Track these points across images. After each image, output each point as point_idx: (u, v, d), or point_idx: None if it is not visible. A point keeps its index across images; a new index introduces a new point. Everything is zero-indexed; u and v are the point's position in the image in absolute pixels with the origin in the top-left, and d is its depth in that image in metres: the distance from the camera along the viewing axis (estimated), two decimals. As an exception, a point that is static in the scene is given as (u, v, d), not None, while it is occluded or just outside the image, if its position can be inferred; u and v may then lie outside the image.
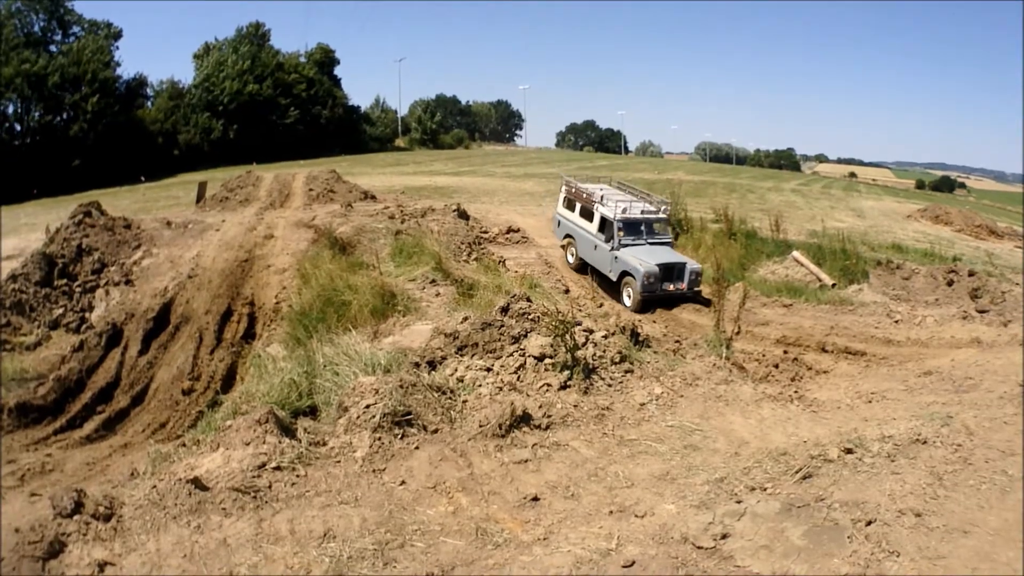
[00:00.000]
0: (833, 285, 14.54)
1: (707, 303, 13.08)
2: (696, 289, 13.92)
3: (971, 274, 14.22)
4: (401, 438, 5.00)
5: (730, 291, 11.61)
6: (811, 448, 5.20)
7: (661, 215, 15.22)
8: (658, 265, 13.49)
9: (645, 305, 13.52)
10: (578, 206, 15.58)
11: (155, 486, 4.26)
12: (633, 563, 3.77)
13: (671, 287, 13.64)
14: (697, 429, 5.68)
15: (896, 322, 11.93)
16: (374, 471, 4.68)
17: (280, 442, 4.69)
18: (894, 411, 6.59)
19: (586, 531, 4.17)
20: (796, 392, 7.42)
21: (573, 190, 16.07)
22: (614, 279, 14.07)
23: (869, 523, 4.08)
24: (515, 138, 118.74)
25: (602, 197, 15.09)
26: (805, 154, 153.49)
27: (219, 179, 27.46)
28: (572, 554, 3.91)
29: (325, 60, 65.00)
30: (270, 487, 4.34)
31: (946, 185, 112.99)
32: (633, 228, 14.43)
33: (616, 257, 14.08)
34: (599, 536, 4.09)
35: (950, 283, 13.74)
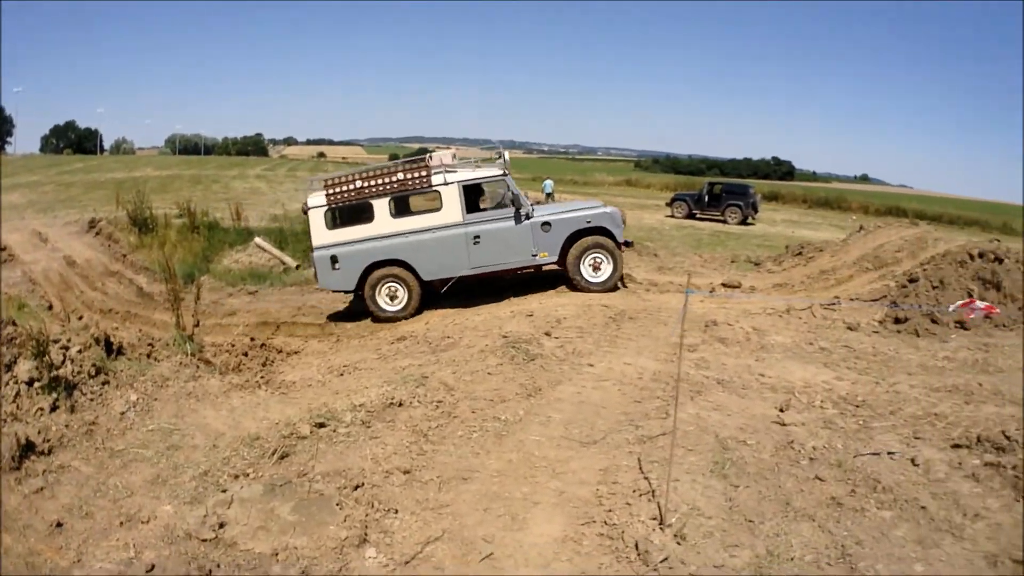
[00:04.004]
0: (297, 266, 14.42)
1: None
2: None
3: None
4: (-54, 486, 4.69)
5: (197, 286, 11.60)
6: (283, 428, 5.42)
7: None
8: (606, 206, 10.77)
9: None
10: (386, 204, 10.30)
11: None
12: (153, 567, 4.04)
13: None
14: (175, 429, 5.81)
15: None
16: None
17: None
18: (368, 380, 6.83)
19: (108, 545, 4.33)
20: (263, 377, 7.62)
21: (366, 186, 10.26)
22: (555, 258, 10.38)
23: (356, 488, 4.37)
24: (6, 146, 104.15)
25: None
26: (274, 138, 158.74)
27: None
28: (104, 569, 4.11)
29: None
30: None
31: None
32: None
33: (546, 223, 10.27)
34: (119, 548, 4.29)
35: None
